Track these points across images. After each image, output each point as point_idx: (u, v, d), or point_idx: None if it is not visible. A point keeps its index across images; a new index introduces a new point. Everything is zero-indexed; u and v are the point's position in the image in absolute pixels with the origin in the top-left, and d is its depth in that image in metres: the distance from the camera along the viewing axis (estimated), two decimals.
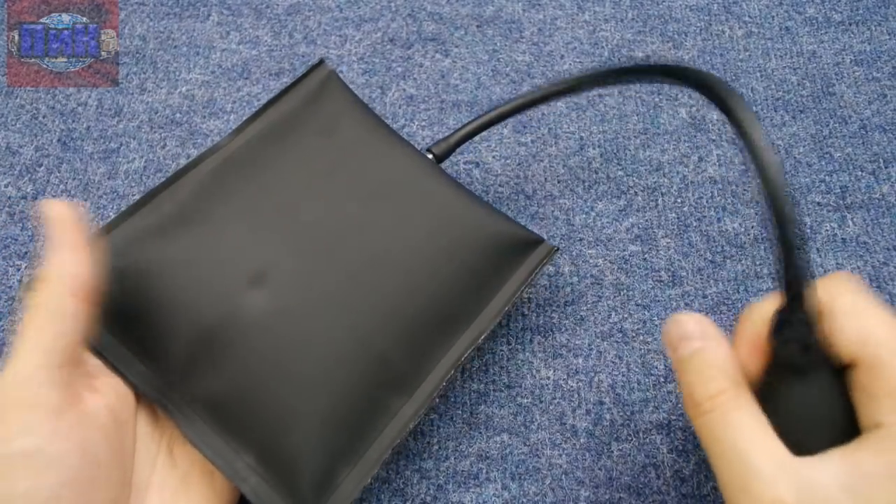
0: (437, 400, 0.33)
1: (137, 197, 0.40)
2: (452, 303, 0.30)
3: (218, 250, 0.29)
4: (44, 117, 0.44)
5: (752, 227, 0.38)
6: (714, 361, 0.25)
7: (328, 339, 0.27)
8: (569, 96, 0.36)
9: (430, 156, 0.35)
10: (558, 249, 0.34)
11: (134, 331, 0.28)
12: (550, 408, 0.33)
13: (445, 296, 0.30)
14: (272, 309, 0.27)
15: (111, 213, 0.39)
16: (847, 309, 0.24)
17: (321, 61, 0.35)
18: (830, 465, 0.22)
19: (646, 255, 0.38)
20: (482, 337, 0.31)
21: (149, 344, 0.28)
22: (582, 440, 0.33)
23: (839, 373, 0.24)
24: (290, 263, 0.28)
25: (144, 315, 0.28)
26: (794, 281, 0.23)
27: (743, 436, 0.23)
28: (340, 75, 0.45)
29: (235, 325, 0.27)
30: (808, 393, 0.24)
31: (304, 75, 0.34)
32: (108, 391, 0.27)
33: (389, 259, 0.29)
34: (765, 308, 0.25)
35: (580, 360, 0.35)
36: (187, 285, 0.28)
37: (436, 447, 0.33)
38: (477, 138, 0.42)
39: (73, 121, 0.43)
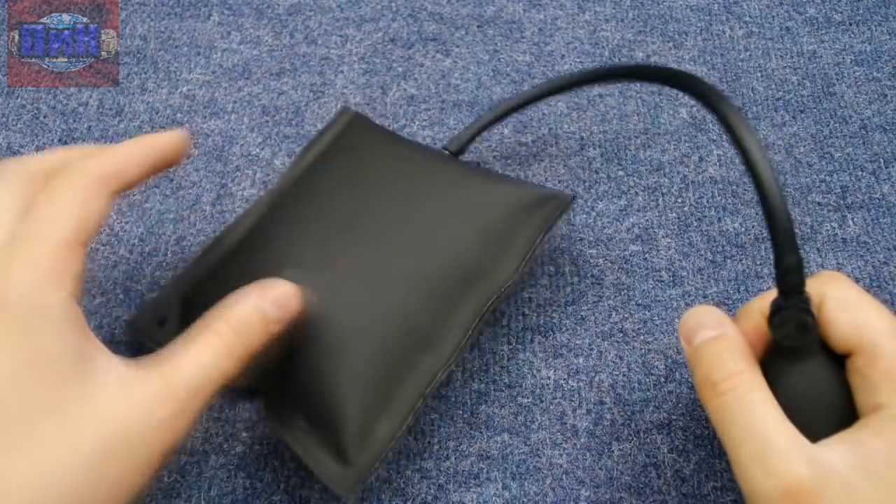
0: (465, 353, 0.34)
1: (138, 197, 0.40)
2: (470, 260, 0.32)
3: (256, 243, 0.33)
4: (45, 117, 0.44)
5: (753, 226, 0.38)
6: (731, 346, 0.25)
7: (357, 307, 0.30)
8: (570, 91, 0.39)
9: (446, 152, 0.38)
10: (575, 198, 0.35)
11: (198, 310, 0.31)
12: (551, 407, 0.33)
13: (460, 256, 0.32)
14: (307, 282, 0.30)
15: (112, 213, 0.39)
16: (838, 301, 0.25)
17: (344, 108, 0.39)
18: (838, 448, 0.23)
19: (646, 255, 0.38)
20: (504, 289, 0.32)
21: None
22: (582, 440, 0.33)
23: (837, 360, 0.25)
24: (319, 248, 0.32)
25: (206, 297, 0.31)
26: (788, 268, 0.24)
27: (761, 415, 0.23)
28: (341, 75, 0.45)
29: None
30: (808, 377, 0.25)
31: (332, 122, 0.39)
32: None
33: (407, 232, 0.32)
34: (761, 302, 0.26)
35: (581, 360, 0.35)
36: (236, 271, 0.32)
37: (436, 447, 0.33)
38: (477, 138, 0.42)
39: (74, 121, 0.43)
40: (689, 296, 0.36)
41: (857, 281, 0.36)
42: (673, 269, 0.37)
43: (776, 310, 0.25)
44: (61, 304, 0.23)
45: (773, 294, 0.25)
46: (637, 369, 0.34)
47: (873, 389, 0.23)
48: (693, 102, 0.43)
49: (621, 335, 0.35)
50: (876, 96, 0.43)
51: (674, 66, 0.45)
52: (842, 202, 0.39)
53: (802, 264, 0.24)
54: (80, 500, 0.22)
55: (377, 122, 0.43)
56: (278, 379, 0.31)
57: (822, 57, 0.45)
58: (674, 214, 0.39)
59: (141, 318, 0.34)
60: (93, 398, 0.23)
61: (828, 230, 0.38)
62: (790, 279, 0.24)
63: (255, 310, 0.27)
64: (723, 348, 0.25)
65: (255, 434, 0.33)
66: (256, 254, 0.33)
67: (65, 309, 0.23)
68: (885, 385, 0.23)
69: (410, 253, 0.32)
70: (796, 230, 0.38)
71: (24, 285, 0.23)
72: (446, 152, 0.37)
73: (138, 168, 0.27)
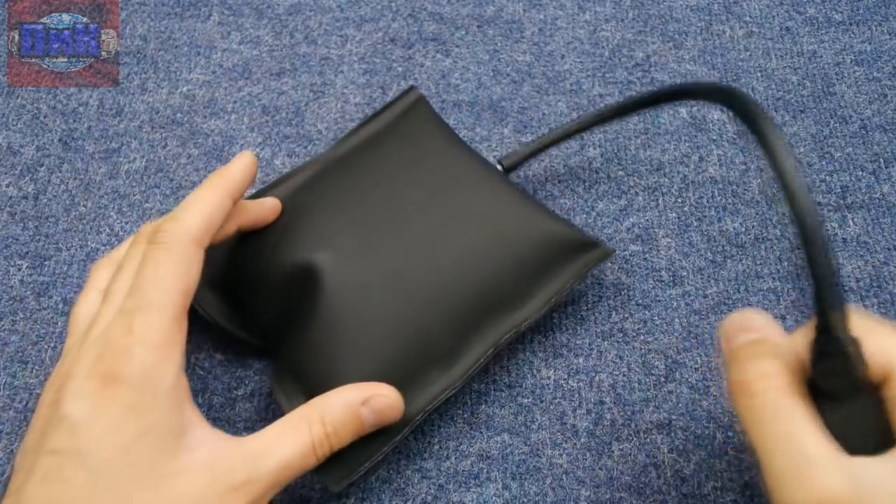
0: (474, 376, 0.34)
1: (138, 197, 0.40)
2: (499, 291, 0.32)
3: (294, 223, 0.33)
4: (45, 117, 0.44)
5: (753, 226, 0.38)
6: (771, 349, 0.24)
7: (380, 309, 0.30)
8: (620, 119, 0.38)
9: (498, 166, 0.37)
10: (614, 251, 0.35)
11: (226, 286, 0.32)
12: (551, 407, 0.33)
13: (493, 284, 0.32)
14: (337, 272, 0.31)
15: (112, 213, 0.39)
16: (862, 331, 0.23)
17: (411, 87, 0.38)
18: (879, 464, 0.21)
19: (646, 255, 0.38)
20: (524, 324, 0.32)
21: (238, 295, 0.33)
22: (582, 440, 0.33)
23: (875, 391, 0.23)
24: (356, 236, 0.32)
25: (234, 272, 0.32)
26: (835, 323, 0.23)
27: (795, 423, 0.22)
28: (341, 75, 0.45)
29: (304, 282, 0.31)
30: (852, 414, 0.23)
31: (397, 98, 0.38)
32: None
33: (446, 244, 0.32)
34: (791, 342, 0.24)
35: (581, 360, 0.35)
36: (270, 249, 0.32)
37: (436, 447, 0.33)
38: (477, 138, 0.42)
39: (74, 121, 0.43)
40: (690, 296, 0.36)
41: (856, 281, 0.36)
42: (673, 268, 0.37)
43: (820, 355, 0.23)
44: (171, 381, 0.25)
45: (799, 337, 0.24)
46: (637, 369, 0.34)
47: None
48: (693, 102, 0.43)
49: (621, 335, 0.35)
50: (876, 96, 0.43)
51: (674, 66, 0.45)
52: (842, 202, 0.39)
53: (847, 315, 0.22)
54: None
55: None
56: (291, 348, 0.31)
57: (822, 57, 0.45)
58: (674, 214, 0.39)
59: None
60: (182, 477, 0.24)
61: (828, 230, 0.38)
62: (834, 323, 0.22)
63: (354, 416, 0.28)
64: (761, 350, 0.24)
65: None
66: (293, 227, 0.32)
67: (174, 385, 0.25)
68: None
69: (445, 267, 0.31)
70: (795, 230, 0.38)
71: (142, 363, 0.25)
72: (499, 167, 0.37)
73: (223, 212, 0.29)
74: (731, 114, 0.27)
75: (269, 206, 0.33)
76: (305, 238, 0.32)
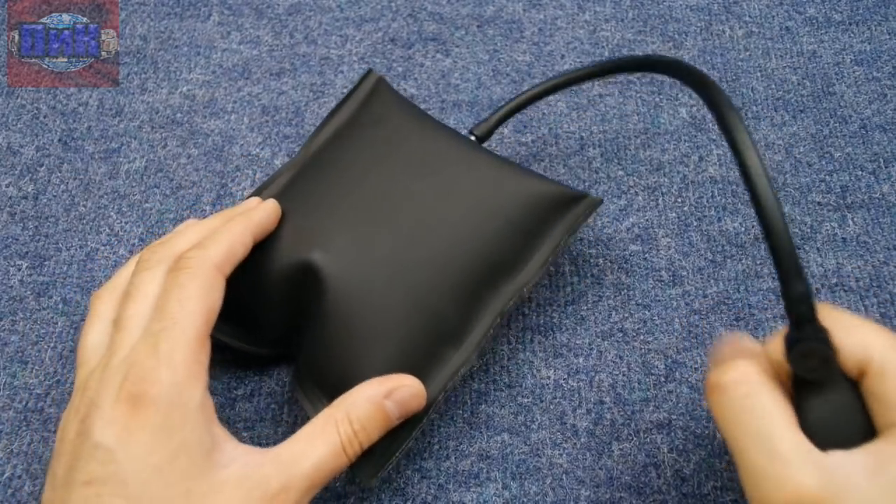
0: (486, 351, 0.34)
1: (138, 196, 0.40)
2: (496, 259, 0.32)
3: (284, 229, 0.32)
4: (45, 117, 0.44)
5: (753, 226, 0.38)
6: (746, 350, 0.25)
7: (387, 297, 0.30)
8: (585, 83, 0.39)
9: (472, 137, 0.37)
10: (602, 202, 0.35)
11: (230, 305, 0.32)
12: (551, 407, 0.33)
13: (489, 253, 0.32)
14: (336, 269, 0.31)
15: (112, 213, 0.39)
16: (839, 325, 0.24)
17: (370, 70, 0.38)
18: (855, 455, 0.22)
19: (646, 255, 0.38)
20: (526, 287, 0.32)
21: (243, 312, 0.32)
22: (582, 440, 0.33)
23: (854, 385, 0.24)
24: (349, 230, 0.32)
25: (235, 288, 0.31)
26: (798, 297, 0.23)
27: (767, 421, 0.22)
28: (341, 75, 0.45)
29: (304, 284, 0.31)
30: (832, 405, 0.23)
31: (358, 84, 0.37)
32: None
33: (437, 223, 0.32)
34: (766, 348, 0.25)
35: (581, 360, 0.35)
36: (267, 259, 0.32)
37: (436, 447, 0.33)
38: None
39: (74, 121, 0.43)
40: (689, 295, 0.36)
41: (856, 281, 0.36)
42: (673, 268, 0.37)
43: (792, 343, 0.23)
44: (198, 400, 0.25)
45: (774, 339, 0.24)
46: (637, 369, 0.34)
47: (887, 409, 0.22)
48: (693, 102, 0.43)
49: (621, 335, 0.35)
50: (876, 96, 0.43)
51: None
52: (842, 202, 0.39)
53: (811, 292, 0.23)
54: None
55: None
56: (306, 352, 0.31)
57: (821, 57, 0.45)
58: (674, 214, 0.39)
59: None
60: (218, 495, 0.25)
61: (828, 230, 0.38)
62: (801, 309, 0.23)
63: (380, 410, 0.28)
64: (736, 353, 0.25)
65: (255, 434, 0.33)
66: (284, 233, 0.32)
67: (201, 404, 0.26)
68: None
69: (440, 246, 0.32)
70: (796, 230, 0.38)
71: (169, 385, 0.25)
72: (472, 137, 0.37)
73: (245, 249, 0.30)
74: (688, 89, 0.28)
75: (273, 213, 0.33)
76: (299, 241, 0.32)
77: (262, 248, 0.32)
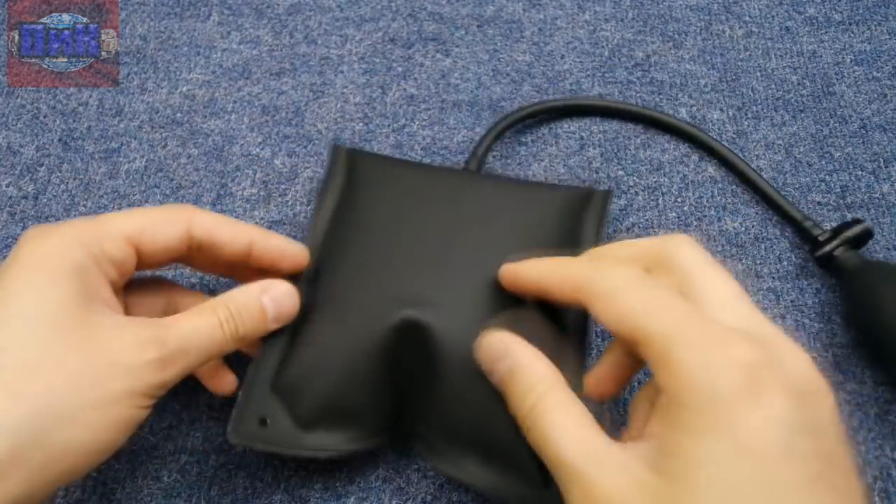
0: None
1: (138, 197, 0.40)
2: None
3: (327, 311, 0.31)
4: (45, 117, 0.44)
5: (753, 226, 0.38)
6: (529, 372, 0.25)
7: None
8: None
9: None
10: (612, 192, 0.36)
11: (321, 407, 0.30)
12: None
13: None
14: (441, 322, 0.29)
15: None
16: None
17: (334, 145, 0.37)
18: (627, 448, 0.23)
19: None
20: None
21: (342, 409, 0.30)
22: None
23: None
24: (430, 283, 0.31)
25: (299, 377, 0.30)
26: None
27: (553, 437, 0.23)
28: (341, 75, 0.45)
29: (410, 347, 0.30)
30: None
31: (332, 165, 0.36)
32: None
33: (490, 260, 0.31)
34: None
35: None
36: (326, 339, 0.30)
37: None
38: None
39: (74, 121, 0.43)
40: None
41: None
42: None
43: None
44: (74, 263, 0.26)
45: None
46: None
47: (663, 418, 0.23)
48: (693, 102, 0.43)
49: None
50: (876, 96, 0.43)
51: (673, 66, 0.45)
52: (842, 202, 0.39)
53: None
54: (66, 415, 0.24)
55: (377, 121, 0.43)
56: (426, 417, 0.30)
57: (821, 57, 0.45)
58: (674, 214, 0.39)
59: (241, 428, 0.30)
60: (94, 332, 0.25)
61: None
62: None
63: (254, 300, 0.29)
64: (523, 377, 0.25)
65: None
66: (336, 316, 0.31)
67: (80, 267, 0.26)
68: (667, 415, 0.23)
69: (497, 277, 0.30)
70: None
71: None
72: (468, 170, 0.37)
73: (173, 233, 0.30)
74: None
75: (294, 249, 0.32)
76: (385, 305, 0.30)
77: (350, 329, 0.30)
